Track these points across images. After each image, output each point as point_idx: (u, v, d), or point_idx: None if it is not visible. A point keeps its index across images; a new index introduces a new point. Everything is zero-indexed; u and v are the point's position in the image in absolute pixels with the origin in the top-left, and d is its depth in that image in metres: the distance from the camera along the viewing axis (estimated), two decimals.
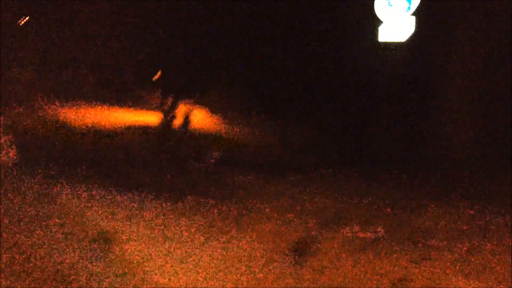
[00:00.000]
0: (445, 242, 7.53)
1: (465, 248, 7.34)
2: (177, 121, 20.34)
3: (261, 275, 5.87)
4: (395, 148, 14.44)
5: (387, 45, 13.83)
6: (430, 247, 7.31)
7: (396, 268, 6.39)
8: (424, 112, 14.68)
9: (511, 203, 9.54)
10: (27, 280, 5.01)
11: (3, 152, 10.26)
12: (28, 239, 6.17)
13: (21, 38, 26.85)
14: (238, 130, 21.38)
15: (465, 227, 8.45)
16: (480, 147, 13.51)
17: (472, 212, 9.29)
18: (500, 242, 7.56)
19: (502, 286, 5.99)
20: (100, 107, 23.04)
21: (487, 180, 11.74)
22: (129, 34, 27.05)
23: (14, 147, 10.38)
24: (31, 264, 5.42)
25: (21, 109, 18.70)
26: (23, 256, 5.64)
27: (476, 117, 14.00)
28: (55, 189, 8.67)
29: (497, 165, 12.72)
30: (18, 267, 5.31)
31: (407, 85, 14.95)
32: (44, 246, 5.99)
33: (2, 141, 10.33)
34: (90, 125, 18.12)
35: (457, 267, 6.59)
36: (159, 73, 21.63)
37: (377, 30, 13.72)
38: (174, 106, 20.65)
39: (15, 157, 10.17)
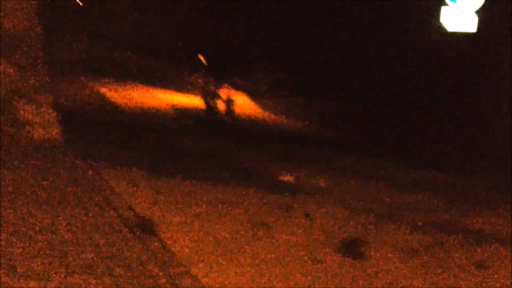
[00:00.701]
0: None
1: None
2: (220, 105, 20.24)
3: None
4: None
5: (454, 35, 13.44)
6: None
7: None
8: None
9: None
10: (61, 268, 4.79)
11: (48, 129, 10.12)
12: (64, 223, 5.97)
13: (72, 17, 27.23)
14: (284, 116, 21.15)
15: None
16: None
17: None
18: None
19: None
20: (145, 89, 23.17)
21: None
22: (174, 21, 27.21)
23: (58, 125, 10.24)
24: (66, 250, 5.21)
25: (69, 88, 18.88)
26: (59, 241, 5.44)
27: None
28: (95, 172, 8.50)
29: None
30: (53, 254, 5.11)
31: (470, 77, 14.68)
32: (80, 233, 5.77)
33: (46, 118, 10.17)
34: (134, 106, 18.11)
35: None
36: (201, 58, 21.53)
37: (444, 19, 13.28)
38: (216, 90, 20.55)
39: (57, 136, 10.02)
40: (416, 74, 17.22)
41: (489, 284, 5.85)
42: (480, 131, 14.65)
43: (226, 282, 5.06)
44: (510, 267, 6.44)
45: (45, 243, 5.26)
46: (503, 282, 5.96)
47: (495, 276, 6.12)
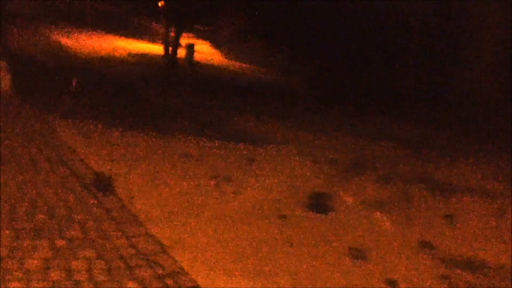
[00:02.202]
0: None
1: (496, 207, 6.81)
2: (181, 53, 19.70)
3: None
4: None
5: None
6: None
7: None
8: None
9: None
10: (9, 232, 4.43)
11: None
12: (10, 183, 5.57)
13: None
14: (245, 65, 20.72)
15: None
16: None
17: None
18: None
19: None
20: (103, 37, 22.38)
21: None
22: None
23: (11, 74, 9.72)
24: (14, 209, 4.84)
25: (24, 37, 18.14)
26: (6, 200, 5.05)
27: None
28: (47, 125, 8.03)
29: None
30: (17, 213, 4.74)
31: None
32: (30, 192, 5.39)
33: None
34: (91, 53, 17.43)
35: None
36: (162, 4, 20.87)
37: None
38: (177, 38, 20.00)
39: (11, 85, 9.51)
40: (381, 27, 16.95)
41: (458, 235, 5.71)
42: (444, 83, 14.63)
43: (188, 239, 4.74)
44: (479, 219, 6.35)
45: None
46: (473, 233, 5.85)
47: (465, 227, 6.00)
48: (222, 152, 7.91)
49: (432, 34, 15.46)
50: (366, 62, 17.11)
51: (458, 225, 6.04)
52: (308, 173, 7.38)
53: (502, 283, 4.68)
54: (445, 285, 4.51)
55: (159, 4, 21.38)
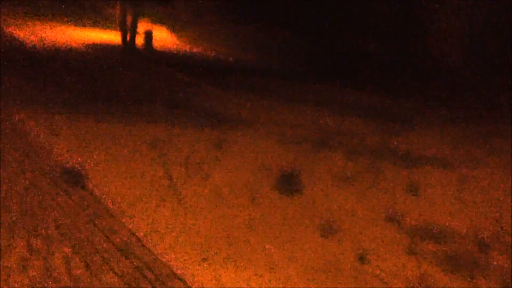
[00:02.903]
0: None
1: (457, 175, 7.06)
2: (139, 40, 19.49)
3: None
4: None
5: None
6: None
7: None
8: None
9: None
10: None
11: None
12: None
13: None
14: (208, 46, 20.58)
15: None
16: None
17: None
18: None
19: None
20: (59, 26, 21.95)
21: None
22: None
23: None
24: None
25: None
26: None
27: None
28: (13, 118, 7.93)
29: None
30: None
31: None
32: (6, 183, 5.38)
33: None
34: (48, 45, 17.11)
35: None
36: None
37: None
38: (135, 24, 19.76)
39: None
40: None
41: (423, 206, 5.92)
42: (408, 53, 14.84)
43: (161, 227, 4.82)
44: (441, 189, 6.58)
45: None
46: (436, 203, 6.06)
47: (429, 198, 6.22)
48: (191, 136, 7.95)
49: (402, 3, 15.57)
50: (335, 29, 17.09)
51: (422, 196, 6.26)
52: (277, 153, 7.50)
53: (467, 250, 4.90)
54: (412, 256, 4.70)
55: None
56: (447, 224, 5.47)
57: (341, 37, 16.92)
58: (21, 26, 20.18)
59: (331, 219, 5.32)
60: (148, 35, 18.96)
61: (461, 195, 6.39)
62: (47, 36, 18.80)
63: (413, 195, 6.26)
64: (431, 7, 14.80)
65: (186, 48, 20.07)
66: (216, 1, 21.80)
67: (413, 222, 5.43)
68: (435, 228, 5.31)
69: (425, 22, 14.90)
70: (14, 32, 18.74)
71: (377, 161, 7.47)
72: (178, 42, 21.40)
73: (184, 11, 23.56)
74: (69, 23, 22.59)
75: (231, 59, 18.18)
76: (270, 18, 18.79)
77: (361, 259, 4.55)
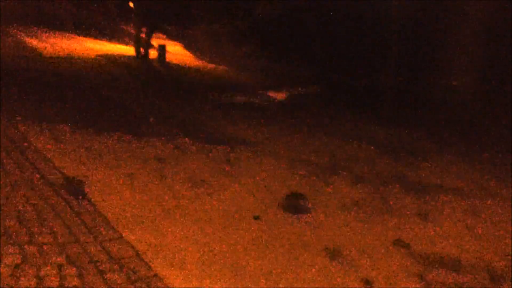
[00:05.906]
0: None
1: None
2: (153, 54, 19.57)
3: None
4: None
5: None
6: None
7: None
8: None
9: None
10: None
11: None
12: None
13: None
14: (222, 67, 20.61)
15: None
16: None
17: None
18: None
19: None
20: (75, 39, 22.13)
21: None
22: None
23: None
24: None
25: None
26: None
27: None
28: (16, 128, 7.84)
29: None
30: None
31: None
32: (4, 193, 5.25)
33: None
34: (63, 56, 17.18)
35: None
36: (131, 4, 20.71)
37: None
38: (148, 38, 19.88)
39: None
40: (362, 28, 17.03)
41: (433, 234, 5.74)
42: (422, 85, 14.83)
43: (162, 242, 4.66)
44: (453, 217, 6.39)
45: None
46: (446, 231, 5.87)
47: (439, 225, 6.03)
48: (197, 154, 7.82)
49: (412, 36, 15.58)
50: (346, 62, 17.14)
51: (432, 223, 6.07)
52: (284, 174, 7.34)
53: (476, 281, 4.71)
54: (420, 284, 4.51)
55: (130, 4, 21.20)
56: (457, 253, 5.27)
57: (357, 67, 16.94)
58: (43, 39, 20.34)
59: (337, 242, 5.15)
60: (162, 49, 19.11)
61: (472, 223, 6.19)
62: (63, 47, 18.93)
63: (423, 222, 6.08)
64: (445, 40, 14.77)
65: (198, 65, 20.11)
66: (228, 22, 21.84)
67: (421, 249, 5.24)
68: (444, 256, 5.12)
69: (440, 57, 14.88)
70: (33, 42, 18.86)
71: (387, 187, 7.30)
72: (190, 58, 21.45)
73: (198, 28, 23.65)
74: (86, 36, 22.79)
75: (240, 79, 18.17)
76: (289, 50, 18.87)
77: (366, 283, 4.37)
